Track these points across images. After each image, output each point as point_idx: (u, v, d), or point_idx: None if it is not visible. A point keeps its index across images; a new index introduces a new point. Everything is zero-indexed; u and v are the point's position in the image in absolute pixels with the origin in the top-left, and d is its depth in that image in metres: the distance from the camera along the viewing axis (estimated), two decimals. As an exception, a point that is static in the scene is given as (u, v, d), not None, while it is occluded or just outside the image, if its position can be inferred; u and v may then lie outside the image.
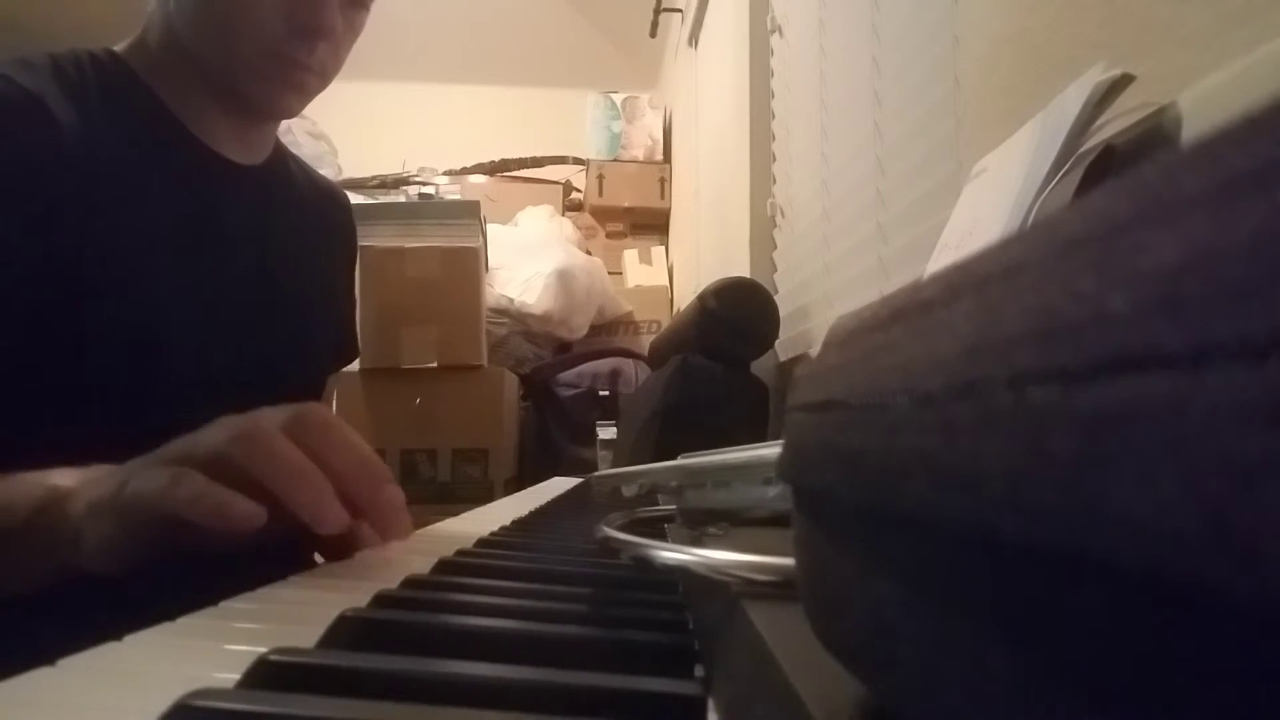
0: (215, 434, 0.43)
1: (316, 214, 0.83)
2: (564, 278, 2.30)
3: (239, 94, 0.66)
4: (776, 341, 1.31)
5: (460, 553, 0.47)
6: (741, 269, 1.57)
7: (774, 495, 0.46)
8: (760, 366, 1.32)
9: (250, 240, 0.72)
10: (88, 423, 0.59)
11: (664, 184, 2.91)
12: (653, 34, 2.65)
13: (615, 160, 2.97)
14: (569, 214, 2.92)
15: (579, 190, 3.05)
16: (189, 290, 0.65)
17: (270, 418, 0.43)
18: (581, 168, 3.03)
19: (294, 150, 0.86)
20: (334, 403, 0.92)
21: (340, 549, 0.48)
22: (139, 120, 0.64)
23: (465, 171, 2.99)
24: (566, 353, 2.43)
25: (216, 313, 0.67)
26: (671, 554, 0.32)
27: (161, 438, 0.51)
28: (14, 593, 0.47)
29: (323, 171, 0.85)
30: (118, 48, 0.67)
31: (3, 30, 2.76)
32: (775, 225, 1.53)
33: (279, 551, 0.58)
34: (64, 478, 0.46)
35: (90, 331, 0.59)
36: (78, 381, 0.59)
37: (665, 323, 2.38)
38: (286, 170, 0.81)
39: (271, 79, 0.65)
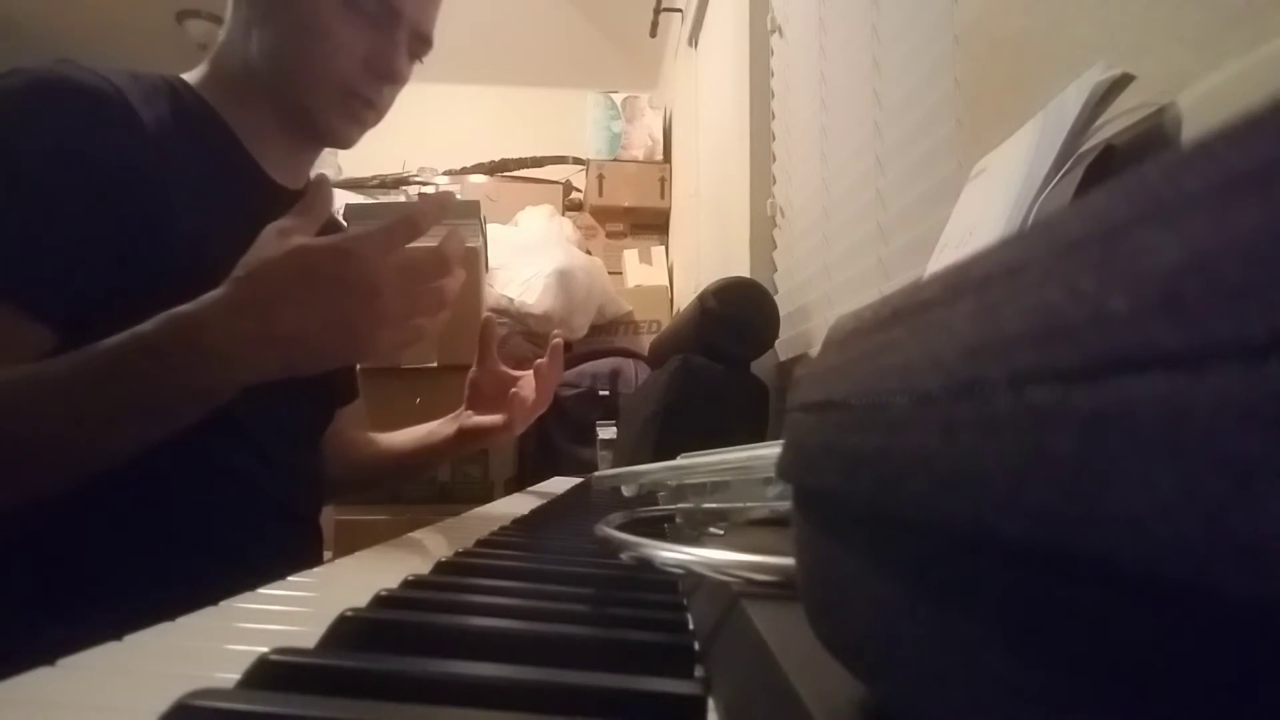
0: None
1: None
2: (564, 278, 2.30)
3: (311, 124, 0.75)
4: (776, 341, 1.31)
5: (460, 553, 0.47)
6: (741, 269, 1.57)
7: (774, 495, 0.46)
8: (760, 366, 1.32)
9: None
10: None
11: (664, 184, 2.90)
12: (653, 34, 2.65)
13: (615, 160, 2.96)
14: (569, 214, 2.92)
15: (579, 190, 3.04)
16: None
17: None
18: (581, 168, 3.02)
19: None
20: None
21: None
22: (206, 137, 0.71)
23: (465, 171, 2.99)
24: (567, 353, 2.43)
25: None
26: (671, 554, 0.32)
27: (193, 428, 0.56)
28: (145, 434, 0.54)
29: (323, 171, 0.87)
30: (186, 76, 0.74)
31: (3, 30, 2.76)
32: (775, 225, 1.53)
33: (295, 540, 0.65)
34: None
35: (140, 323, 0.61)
36: None
37: (665, 323, 2.38)
38: None
39: (343, 113, 0.75)
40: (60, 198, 0.58)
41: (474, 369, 0.92)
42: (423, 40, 0.78)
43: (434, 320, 0.58)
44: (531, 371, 0.89)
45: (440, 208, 0.58)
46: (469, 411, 0.92)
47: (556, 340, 0.90)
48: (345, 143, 0.79)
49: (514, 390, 0.87)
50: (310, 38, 0.71)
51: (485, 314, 0.79)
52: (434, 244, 0.57)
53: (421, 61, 0.80)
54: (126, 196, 0.61)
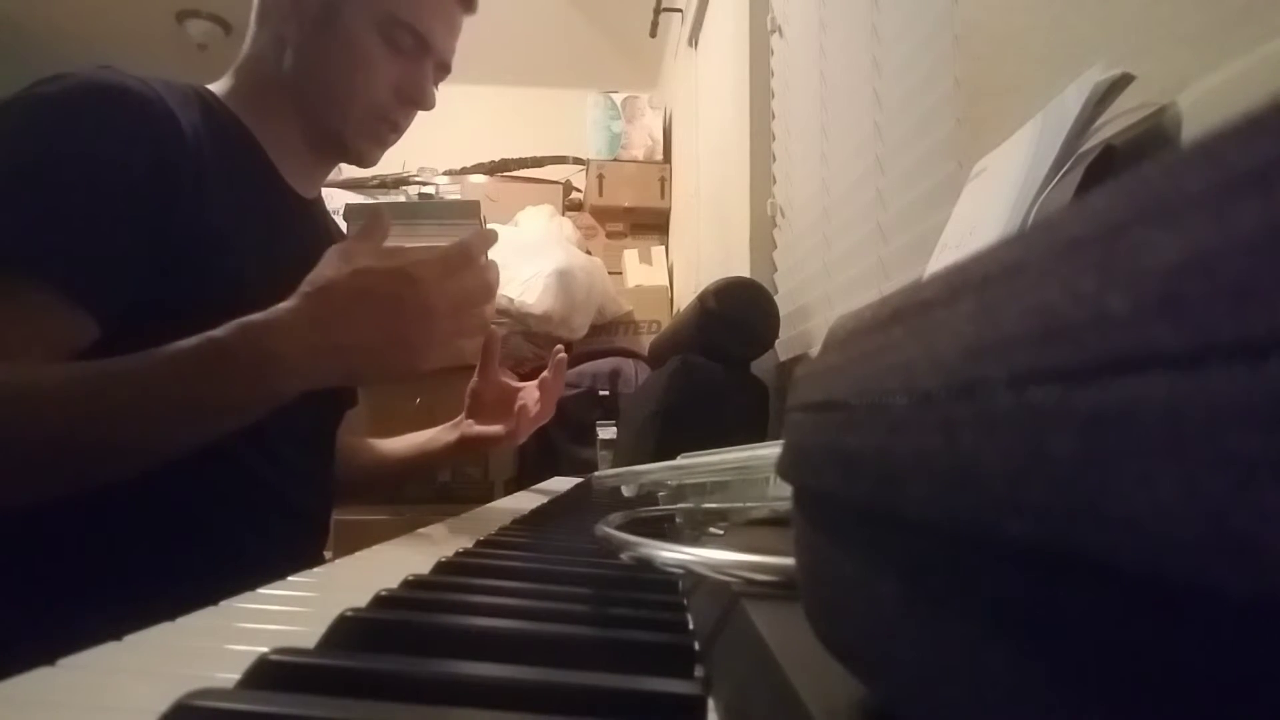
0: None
1: None
2: (564, 278, 2.29)
3: (340, 142, 0.79)
4: (776, 341, 1.31)
5: (460, 553, 0.47)
6: (741, 269, 1.57)
7: (774, 495, 0.46)
8: (760, 366, 1.31)
9: (302, 265, 0.79)
10: None
11: (664, 184, 2.90)
12: (653, 34, 2.65)
13: (615, 160, 2.96)
14: (569, 214, 2.91)
15: (579, 190, 3.04)
16: (258, 297, 0.71)
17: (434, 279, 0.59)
18: (581, 168, 3.02)
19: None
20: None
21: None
22: (232, 145, 0.73)
23: (465, 171, 2.98)
24: (566, 352, 2.43)
25: None
26: (671, 554, 0.32)
27: None
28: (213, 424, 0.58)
29: None
30: (211, 87, 0.77)
31: (3, 30, 2.76)
32: (775, 225, 1.53)
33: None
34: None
35: (175, 320, 0.63)
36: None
37: (665, 323, 2.37)
38: (324, 209, 0.90)
39: (370, 135, 0.80)
40: (108, 196, 0.60)
41: (476, 378, 0.94)
42: (445, 69, 0.83)
43: (474, 341, 0.62)
44: (533, 382, 0.91)
45: (487, 241, 0.64)
46: (469, 420, 0.93)
47: (561, 355, 0.92)
48: (368, 162, 0.83)
49: (520, 403, 0.89)
50: (349, 66, 0.75)
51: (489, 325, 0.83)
52: (436, 244, 0.60)
53: (435, 87, 0.83)
54: (169, 197, 0.63)
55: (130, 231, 0.60)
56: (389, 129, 0.80)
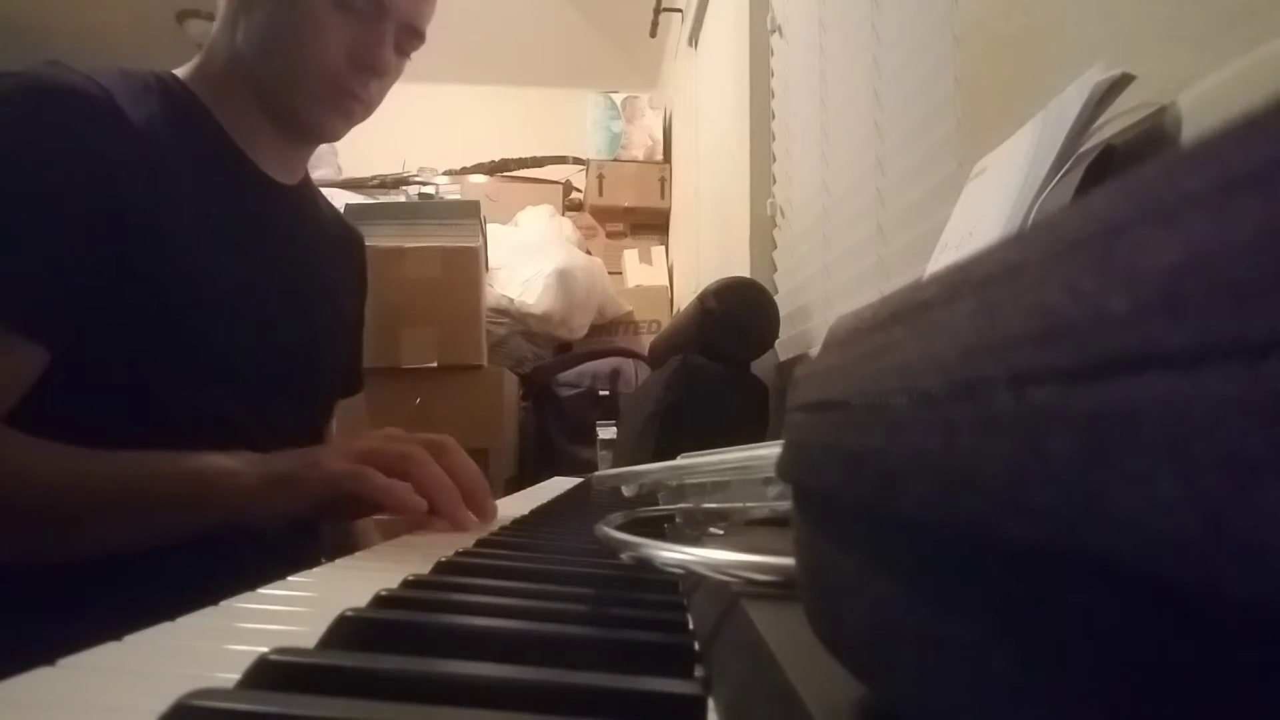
0: (385, 446, 0.59)
1: (337, 244, 0.90)
2: (564, 278, 2.29)
3: (295, 116, 0.75)
4: (776, 341, 1.31)
5: (460, 553, 0.47)
6: (741, 269, 1.57)
7: (774, 495, 0.46)
8: (760, 366, 1.32)
9: (282, 254, 0.77)
10: (119, 403, 0.63)
11: (664, 184, 2.90)
12: (653, 34, 2.65)
13: (615, 160, 2.96)
14: (569, 214, 2.92)
15: (579, 190, 3.04)
16: (229, 291, 0.70)
17: (419, 441, 0.60)
18: (581, 168, 3.02)
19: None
20: (333, 427, 0.92)
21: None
22: (196, 134, 0.71)
23: (465, 171, 2.98)
24: (566, 353, 2.43)
25: (250, 316, 0.72)
26: (671, 554, 0.32)
27: (183, 423, 0.60)
28: (161, 543, 0.60)
29: (322, 171, 0.88)
30: (178, 71, 0.74)
31: (2, 31, 2.76)
32: (775, 225, 1.53)
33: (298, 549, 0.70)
34: (221, 460, 0.59)
35: (138, 322, 0.63)
36: (117, 365, 0.63)
37: (665, 323, 2.38)
38: (313, 196, 0.87)
39: (327, 105, 0.74)
40: (51, 205, 0.58)
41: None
42: (414, 34, 0.77)
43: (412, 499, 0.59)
44: None
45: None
46: None
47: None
48: (331, 136, 0.78)
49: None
50: (295, 28, 0.71)
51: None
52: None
53: (409, 57, 0.79)
54: (119, 198, 0.61)
55: (76, 242, 0.59)
56: (348, 98, 0.75)
